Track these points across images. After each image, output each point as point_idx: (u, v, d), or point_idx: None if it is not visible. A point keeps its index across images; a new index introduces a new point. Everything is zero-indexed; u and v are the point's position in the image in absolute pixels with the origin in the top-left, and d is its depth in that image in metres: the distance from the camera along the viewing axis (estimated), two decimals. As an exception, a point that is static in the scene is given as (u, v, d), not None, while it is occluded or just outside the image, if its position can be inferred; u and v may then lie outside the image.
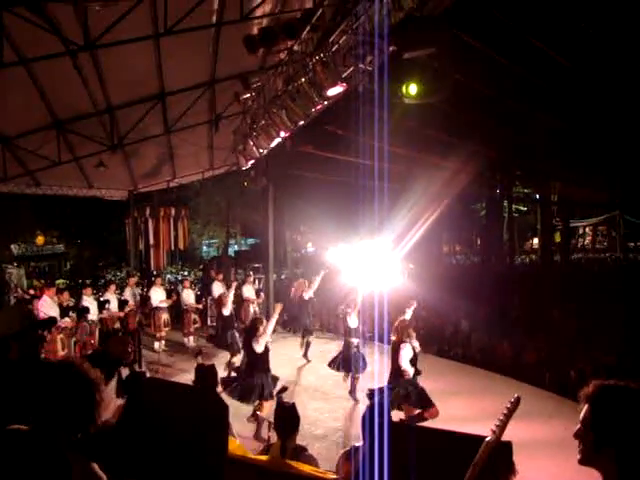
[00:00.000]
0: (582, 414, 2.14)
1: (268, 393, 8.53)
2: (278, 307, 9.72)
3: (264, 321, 9.07)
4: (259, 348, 8.63)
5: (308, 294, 13.87)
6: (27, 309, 4.12)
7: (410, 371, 7.98)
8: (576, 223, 37.60)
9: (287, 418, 4.65)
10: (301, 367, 12.64)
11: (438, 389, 10.06)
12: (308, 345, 13.37)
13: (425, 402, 8.02)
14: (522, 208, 36.04)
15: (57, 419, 2.27)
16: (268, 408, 8.40)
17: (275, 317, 9.30)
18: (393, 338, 8.22)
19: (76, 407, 2.30)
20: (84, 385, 2.34)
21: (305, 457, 4.51)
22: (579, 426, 2.14)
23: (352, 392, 10.27)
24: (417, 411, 7.99)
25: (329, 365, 10.82)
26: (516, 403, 2.27)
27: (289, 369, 12.41)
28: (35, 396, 2.31)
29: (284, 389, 5.70)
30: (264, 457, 4.40)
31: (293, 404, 4.79)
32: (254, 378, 8.60)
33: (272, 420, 4.90)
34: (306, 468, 4.05)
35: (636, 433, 2.01)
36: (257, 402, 8.57)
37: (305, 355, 13.26)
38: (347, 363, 10.45)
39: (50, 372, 2.37)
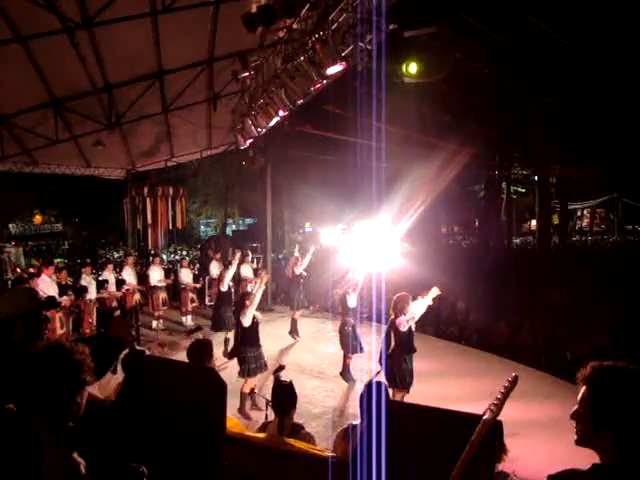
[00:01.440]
0: (580, 395, 2.14)
1: (248, 369, 8.60)
2: (265, 277, 9.74)
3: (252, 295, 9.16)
4: (246, 322, 8.70)
5: (299, 270, 13.94)
6: (33, 290, 4.11)
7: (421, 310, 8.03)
8: (574, 205, 37.59)
9: (284, 396, 4.67)
10: (298, 346, 12.68)
11: (435, 369, 10.15)
12: (294, 322, 13.40)
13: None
14: (521, 190, 35.98)
15: (35, 402, 2.22)
16: (249, 385, 8.51)
17: (262, 288, 9.33)
18: (391, 316, 8.21)
19: (56, 392, 2.24)
20: (66, 370, 2.27)
21: (302, 435, 4.54)
22: (576, 407, 2.14)
23: (343, 373, 10.28)
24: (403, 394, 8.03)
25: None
26: (514, 382, 2.28)
27: (286, 348, 12.47)
28: (19, 377, 2.28)
29: (281, 368, 5.71)
30: (262, 435, 4.43)
31: (290, 382, 4.80)
32: (244, 353, 8.69)
33: (269, 398, 4.92)
34: (303, 446, 4.08)
35: (635, 414, 2.02)
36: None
37: (291, 332, 13.25)
38: (342, 342, 10.45)
39: (36, 354, 2.32)
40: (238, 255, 12.91)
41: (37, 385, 2.22)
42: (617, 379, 2.08)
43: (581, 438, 2.13)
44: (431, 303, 8.36)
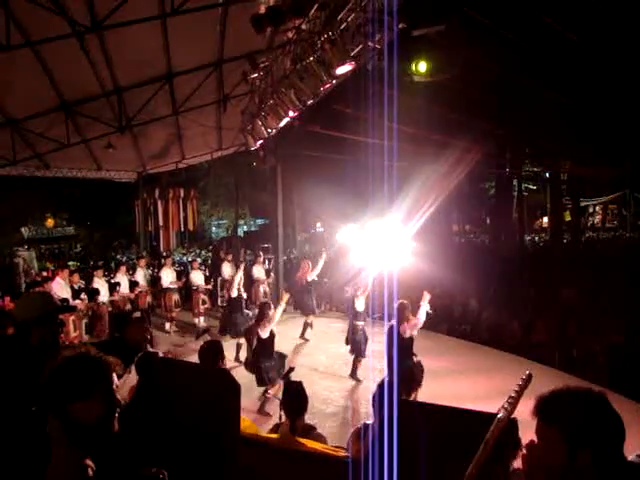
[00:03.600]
0: (539, 430, 2.05)
1: (271, 377, 8.68)
2: (285, 296, 9.84)
3: (272, 306, 9.19)
4: (264, 334, 8.78)
5: (311, 276, 13.94)
6: (48, 294, 4.16)
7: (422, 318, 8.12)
8: (586, 202, 37.35)
9: (295, 398, 4.68)
10: (311, 346, 12.70)
11: (448, 368, 10.13)
12: (306, 326, 13.47)
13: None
14: (532, 187, 35.82)
15: (52, 405, 2.22)
16: (275, 390, 8.59)
17: (282, 306, 9.41)
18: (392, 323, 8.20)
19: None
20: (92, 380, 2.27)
21: (314, 436, 4.54)
22: (539, 442, 2.05)
23: (353, 374, 10.36)
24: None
25: (347, 343, 10.79)
26: (528, 380, 2.26)
27: (299, 349, 12.49)
28: (42, 380, 2.28)
29: (291, 370, 5.72)
30: (274, 435, 4.44)
31: (301, 384, 4.81)
32: (259, 363, 8.77)
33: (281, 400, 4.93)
34: (317, 445, 4.08)
35: (606, 424, 1.99)
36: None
37: (302, 336, 13.41)
38: (353, 346, 10.49)
39: (67, 359, 2.31)
40: (242, 264, 12.97)
41: (58, 390, 2.22)
42: (574, 398, 2.03)
43: (558, 475, 2.02)
44: (428, 309, 8.54)
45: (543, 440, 2.05)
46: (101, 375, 2.27)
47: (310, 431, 4.63)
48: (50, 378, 2.23)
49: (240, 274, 12.29)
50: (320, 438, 4.57)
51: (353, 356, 10.44)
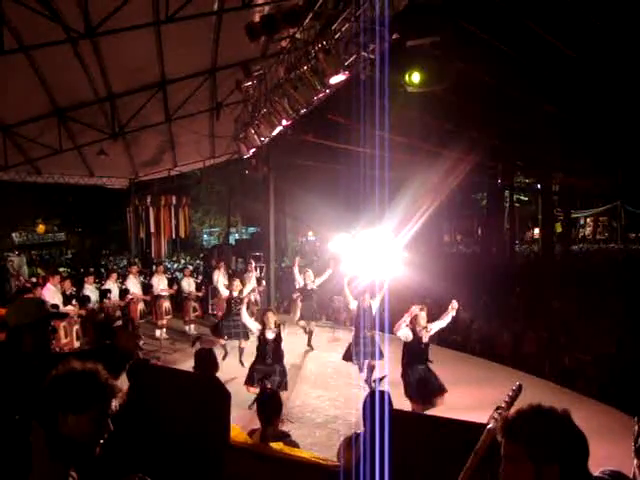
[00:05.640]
0: (507, 450, 2.05)
1: (250, 376, 8.75)
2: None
3: (271, 313, 9.31)
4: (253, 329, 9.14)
5: (313, 285, 13.90)
6: (41, 300, 4.16)
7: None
8: (577, 213, 37.48)
9: (269, 405, 4.67)
10: (302, 355, 12.64)
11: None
12: (311, 333, 13.39)
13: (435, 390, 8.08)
14: (523, 198, 35.91)
15: (40, 415, 2.22)
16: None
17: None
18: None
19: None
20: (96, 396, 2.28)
21: (287, 442, 4.52)
22: (505, 464, 2.05)
23: (367, 380, 10.09)
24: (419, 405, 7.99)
25: (344, 359, 10.58)
26: (518, 391, 2.27)
27: (290, 357, 12.42)
28: (45, 384, 2.27)
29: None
30: (249, 440, 4.41)
31: (276, 391, 4.80)
32: (253, 363, 8.93)
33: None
34: (306, 454, 4.06)
35: (571, 438, 2.01)
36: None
37: (309, 344, 13.25)
38: (359, 352, 10.35)
39: (74, 370, 2.30)
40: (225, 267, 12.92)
41: (56, 396, 2.21)
42: (538, 416, 2.05)
43: None
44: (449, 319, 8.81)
45: (509, 458, 2.05)
46: (102, 395, 2.27)
47: (282, 438, 4.60)
48: (51, 383, 2.23)
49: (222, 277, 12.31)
50: (294, 445, 4.54)
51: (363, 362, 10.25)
